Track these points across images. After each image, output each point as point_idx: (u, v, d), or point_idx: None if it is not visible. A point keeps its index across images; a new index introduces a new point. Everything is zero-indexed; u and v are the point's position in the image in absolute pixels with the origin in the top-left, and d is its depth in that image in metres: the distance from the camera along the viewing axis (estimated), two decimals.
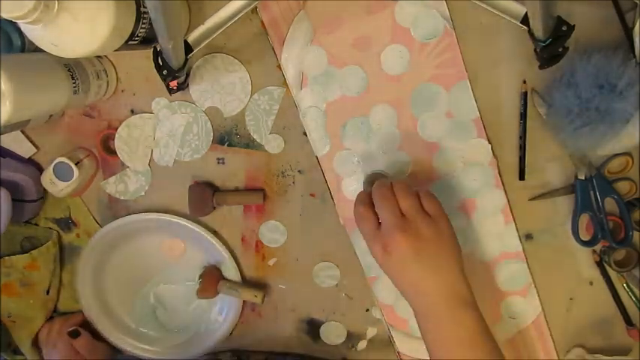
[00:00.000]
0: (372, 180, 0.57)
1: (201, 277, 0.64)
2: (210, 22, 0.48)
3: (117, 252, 0.66)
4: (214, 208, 0.61)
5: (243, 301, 0.65)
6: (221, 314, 0.67)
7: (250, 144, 0.60)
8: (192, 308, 0.68)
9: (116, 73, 0.58)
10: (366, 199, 0.50)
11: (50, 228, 0.65)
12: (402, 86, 0.56)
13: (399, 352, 0.64)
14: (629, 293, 0.59)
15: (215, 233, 0.63)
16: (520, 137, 0.55)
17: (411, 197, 0.48)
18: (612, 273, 0.59)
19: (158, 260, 0.66)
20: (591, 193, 0.55)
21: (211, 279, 0.63)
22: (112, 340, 0.68)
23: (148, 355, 0.69)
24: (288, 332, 0.67)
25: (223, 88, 0.58)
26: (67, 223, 0.65)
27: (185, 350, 0.68)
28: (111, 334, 0.68)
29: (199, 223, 0.63)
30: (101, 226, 0.64)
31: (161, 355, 0.69)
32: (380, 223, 0.48)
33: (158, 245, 0.66)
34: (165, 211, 0.63)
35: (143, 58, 0.57)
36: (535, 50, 0.48)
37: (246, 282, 0.65)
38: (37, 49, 0.45)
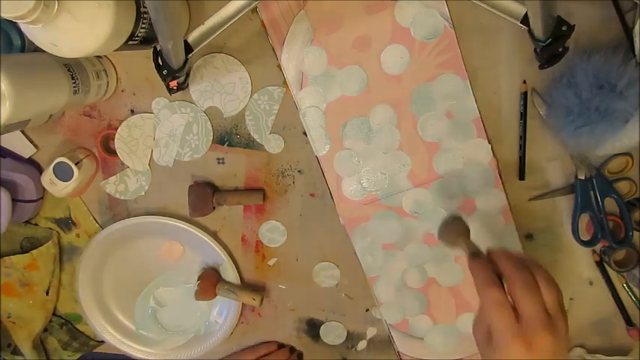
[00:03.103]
0: (450, 222, 0.52)
1: (199, 279, 0.64)
2: (210, 22, 0.48)
3: (116, 255, 0.66)
4: (214, 208, 0.61)
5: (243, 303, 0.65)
6: (221, 316, 0.67)
7: (250, 144, 0.60)
8: (191, 310, 0.68)
9: (116, 73, 0.58)
10: (495, 279, 0.42)
11: (50, 228, 0.65)
12: (402, 86, 0.56)
13: (399, 352, 0.64)
14: (629, 293, 0.59)
15: (215, 233, 0.63)
16: (520, 137, 0.55)
17: (556, 290, 0.42)
18: (612, 273, 0.59)
19: (157, 263, 0.66)
20: (591, 193, 0.55)
21: (209, 281, 0.63)
22: (111, 343, 0.68)
23: (148, 358, 0.69)
24: (288, 332, 0.67)
25: (223, 88, 0.58)
26: (67, 223, 0.65)
27: (185, 352, 0.68)
28: (111, 336, 0.68)
29: (198, 225, 0.63)
30: (101, 226, 0.64)
31: (161, 357, 0.69)
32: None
33: (157, 248, 0.66)
34: (165, 212, 0.63)
35: (143, 58, 0.57)
36: (535, 50, 0.48)
37: (245, 284, 0.65)
38: (37, 49, 0.45)
